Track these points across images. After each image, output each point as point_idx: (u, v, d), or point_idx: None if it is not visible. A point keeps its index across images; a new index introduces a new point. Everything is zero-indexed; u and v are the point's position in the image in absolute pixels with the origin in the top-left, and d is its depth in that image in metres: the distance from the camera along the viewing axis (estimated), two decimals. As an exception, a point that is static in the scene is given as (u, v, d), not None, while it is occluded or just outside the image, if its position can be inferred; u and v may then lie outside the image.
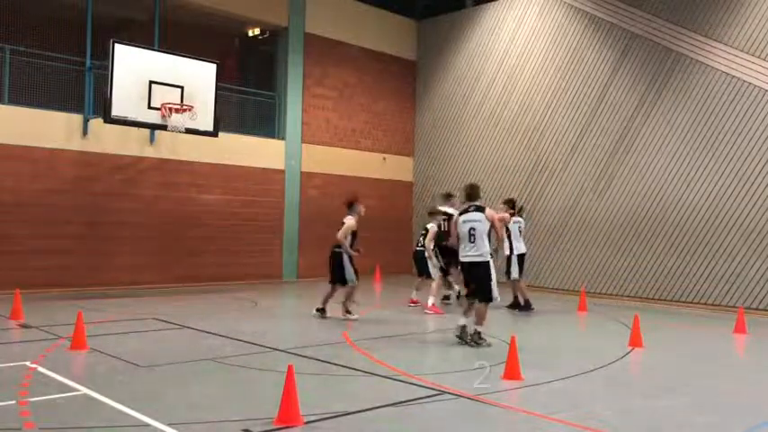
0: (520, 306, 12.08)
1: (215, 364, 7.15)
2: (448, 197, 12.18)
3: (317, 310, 10.53)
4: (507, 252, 11.85)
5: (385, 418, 5.39)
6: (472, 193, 8.78)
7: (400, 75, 19.29)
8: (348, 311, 10.40)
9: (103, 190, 13.56)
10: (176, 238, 14.56)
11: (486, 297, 8.30)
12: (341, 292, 10.44)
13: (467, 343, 8.36)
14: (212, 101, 13.32)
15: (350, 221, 10.30)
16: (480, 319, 8.33)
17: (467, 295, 8.65)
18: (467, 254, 8.48)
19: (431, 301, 11.43)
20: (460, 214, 8.69)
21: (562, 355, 8.26)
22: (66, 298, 12.00)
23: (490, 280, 8.32)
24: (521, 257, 12.06)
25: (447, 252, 11.18)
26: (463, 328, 8.45)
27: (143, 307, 11.22)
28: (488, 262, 8.42)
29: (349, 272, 10.26)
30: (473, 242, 8.36)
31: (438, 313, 11.18)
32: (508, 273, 12.00)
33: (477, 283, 8.41)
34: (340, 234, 10.17)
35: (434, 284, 11.72)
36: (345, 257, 10.25)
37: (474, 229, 8.37)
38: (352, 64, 18.12)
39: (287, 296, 14.22)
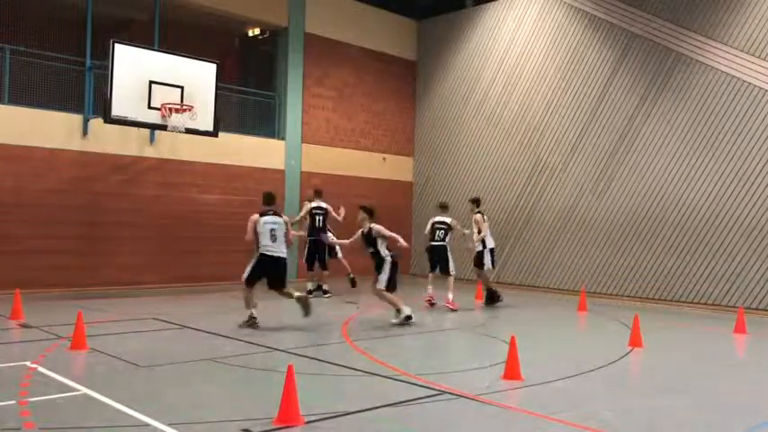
0: (493, 298, 12.67)
1: (215, 364, 7.16)
2: (318, 193, 13.45)
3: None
4: (480, 248, 12.61)
5: (385, 418, 5.39)
6: (270, 199, 9.97)
7: (400, 75, 19.28)
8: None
9: (103, 190, 13.55)
10: (176, 238, 14.55)
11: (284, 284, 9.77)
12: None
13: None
14: (212, 101, 13.32)
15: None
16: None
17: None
18: (272, 248, 9.62)
19: (450, 295, 11.91)
20: (261, 216, 9.67)
21: (562, 355, 8.26)
22: (66, 298, 12.00)
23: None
24: (492, 251, 12.81)
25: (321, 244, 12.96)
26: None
27: (143, 307, 11.21)
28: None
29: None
30: (275, 241, 9.60)
31: (455, 308, 11.77)
32: (481, 265, 12.67)
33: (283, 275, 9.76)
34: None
35: (451, 280, 12.25)
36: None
37: (275, 230, 9.62)
38: (352, 64, 18.11)
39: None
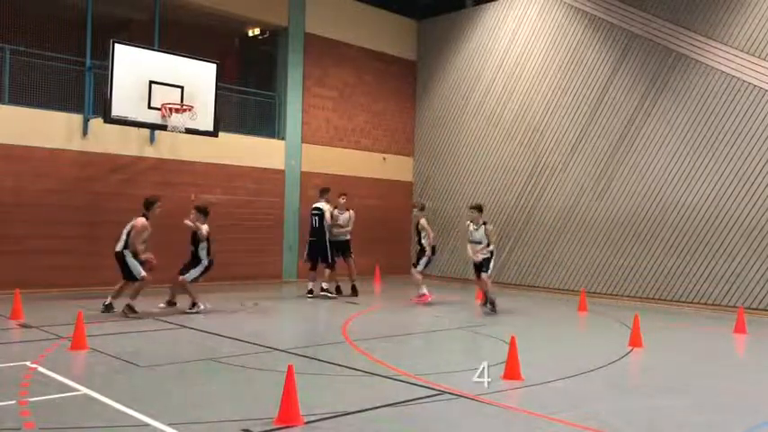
0: (492, 304, 12.40)
1: (215, 363, 7.16)
2: (323, 192, 13.36)
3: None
4: (488, 255, 12.14)
5: (385, 418, 5.39)
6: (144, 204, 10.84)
7: (400, 75, 19.28)
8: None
9: (103, 190, 13.55)
10: (176, 238, 14.51)
11: None
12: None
13: None
14: (212, 101, 13.32)
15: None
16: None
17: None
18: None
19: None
20: None
21: (562, 355, 8.26)
22: (66, 298, 12.00)
23: None
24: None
25: (333, 245, 13.19)
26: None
27: (143, 307, 11.20)
28: None
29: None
30: (119, 240, 10.45)
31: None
32: (487, 269, 12.13)
33: None
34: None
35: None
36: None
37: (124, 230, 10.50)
38: (352, 64, 18.11)
39: (287, 296, 14.21)
